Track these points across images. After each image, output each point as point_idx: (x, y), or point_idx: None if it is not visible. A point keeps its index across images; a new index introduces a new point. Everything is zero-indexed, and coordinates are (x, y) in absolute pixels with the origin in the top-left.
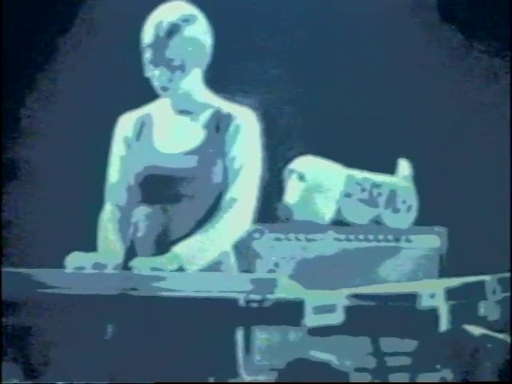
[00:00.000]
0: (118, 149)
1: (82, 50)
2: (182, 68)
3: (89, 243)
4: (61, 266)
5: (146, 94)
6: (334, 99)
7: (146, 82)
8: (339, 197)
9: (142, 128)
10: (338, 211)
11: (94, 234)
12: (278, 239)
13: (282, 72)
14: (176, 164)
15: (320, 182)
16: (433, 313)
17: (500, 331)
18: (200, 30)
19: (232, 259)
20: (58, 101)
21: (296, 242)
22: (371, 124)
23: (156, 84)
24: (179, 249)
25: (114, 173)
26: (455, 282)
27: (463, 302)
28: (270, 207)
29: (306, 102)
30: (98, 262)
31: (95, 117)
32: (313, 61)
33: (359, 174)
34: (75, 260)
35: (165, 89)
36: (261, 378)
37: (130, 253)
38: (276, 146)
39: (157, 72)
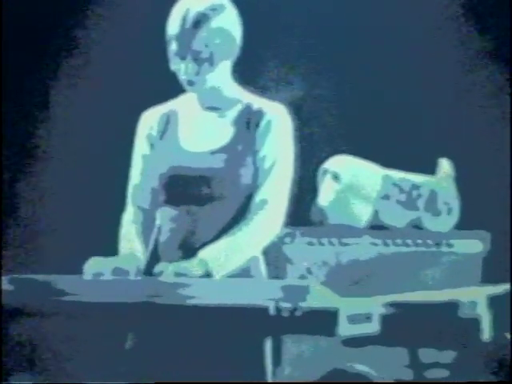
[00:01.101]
0: (140, 147)
1: (104, 42)
2: (210, 61)
3: (109, 247)
4: (79, 271)
5: (171, 88)
6: (370, 96)
7: (172, 75)
8: (376, 199)
9: (167, 125)
10: (375, 214)
11: (115, 238)
12: (310, 244)
13: (316, 66)
14: (203, 163)
15: (356, 182)
16: (474, 322)
17: None
18: (229, 21)
19: (262, 265)
20: (77, 95)
21: (330, 246)
22: (410, 122)
23: (182, 78)
24: (205, 254)
25: (136, 173)
26: (498, 289)
27: (507, 310)
28: (302, 209)
29: (342, 99)
30: (119, 267)
31: (117, 113)
32: (349, 55)
33: (397, 175)
34: (94, 266)
35: (191, 83)
36: None
37: (153, 258)
38: (309, 145)
39: (183, 65)
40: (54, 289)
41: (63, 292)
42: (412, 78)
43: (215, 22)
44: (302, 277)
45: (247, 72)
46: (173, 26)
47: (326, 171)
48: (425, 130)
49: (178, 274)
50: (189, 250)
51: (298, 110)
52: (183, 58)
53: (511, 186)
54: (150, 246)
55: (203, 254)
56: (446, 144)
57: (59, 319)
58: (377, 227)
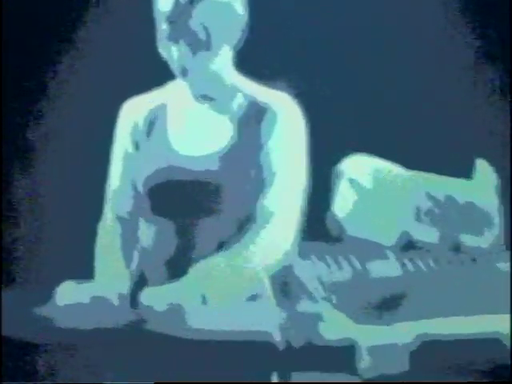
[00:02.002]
0: (123, 146)
1: (83, 21)
2: (208, 44)
3: (84, 264)
4: (49, 292)
5: (160, 78)
6: (393, 85)
7: (160, 62)
8: (404, 209)
9: (154, 120)
10: (403, 227)
11: (90, 252)
12: (325, 263)
13: (330, 54)
14: (197, 166)
15: (379, 189)
16: None
17: None
18: None
19: (267, 288)
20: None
21: (348, 267)
22: (442, 116)
23: (174, 65)
24: (200, 270)
25: (116, 176)
26: None
27: None
28: (315, 222)
29: (360, 89)
30: (97, 295)
31: (96, 106)
32: (366, 44)
33: (429, 179)
34: (67, 294)
35: (185, 71)
36: None
37: (138, 279)
38: (323, 143)
39: (175, 49)
40: (28, 313)
41: (32, 316)
42: (444, 65)
43: None
44: (316, 302)
45: (250, 59)
46: (163, 2)
47: (342, 175)
48: (459, 126)
49: (169, 304)
50: (179, 270)
51: (309, 104)
52: (176, 41)
53: None
54: (134, 264)
55: (197, 270)
56: (481, 143)
57: (26, 348)
58: (405, 244)
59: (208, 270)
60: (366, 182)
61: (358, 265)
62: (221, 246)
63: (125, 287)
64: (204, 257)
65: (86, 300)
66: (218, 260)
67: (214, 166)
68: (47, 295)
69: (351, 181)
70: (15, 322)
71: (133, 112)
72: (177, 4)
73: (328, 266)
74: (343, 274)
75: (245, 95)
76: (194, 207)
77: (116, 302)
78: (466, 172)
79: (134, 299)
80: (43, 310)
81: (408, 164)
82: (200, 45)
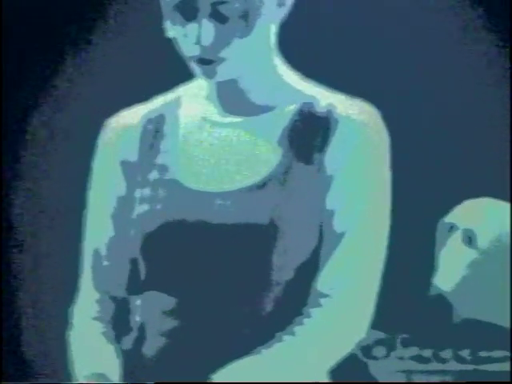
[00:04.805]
0: (107, 184)
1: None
2: (243, 19)
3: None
4: None
5: (166, 76)
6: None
7: (169, 50)
8: None
9: (157, 144)
10: None
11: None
12: (420, 359)
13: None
14: (222, 213)
15: (507, 249)
16: None
17: None
18: None
19: None
20: None
21: (458, 364)
22: None
23: (190, 53)
24: (226, 376)
25: (100, 231)
26: None
27: None
28: (404, 297)
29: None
30: None
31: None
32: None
33: None
34: None
35: (207, 62)
36: None
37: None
38: (418, 181)
39: (192, 28)
40: None
41: None
42: None
43: None
44: None
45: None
46: None
47: (451, 228)
48: None
49: None
50: (195, 368)
51: (395, 122)
52: (192, 17)
53: None
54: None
55: (222, 377)
56: None
57: None
58: None
59: (240, 371)
60: (490, 239)
61: (470, 362)
62: (261, 336)
63: None
64: (234, 351)
65: None
66: (258, 358)
67: (249, 212)
68: None
69: (466, 237)
70: None
71: (122, 133)
72: None
73: (425, 363)
74: (451, 375)
75: (300, 103)
76: (213, 274)
77: None
78: None
79: None
80: None
81: None
82: (232, 19)
